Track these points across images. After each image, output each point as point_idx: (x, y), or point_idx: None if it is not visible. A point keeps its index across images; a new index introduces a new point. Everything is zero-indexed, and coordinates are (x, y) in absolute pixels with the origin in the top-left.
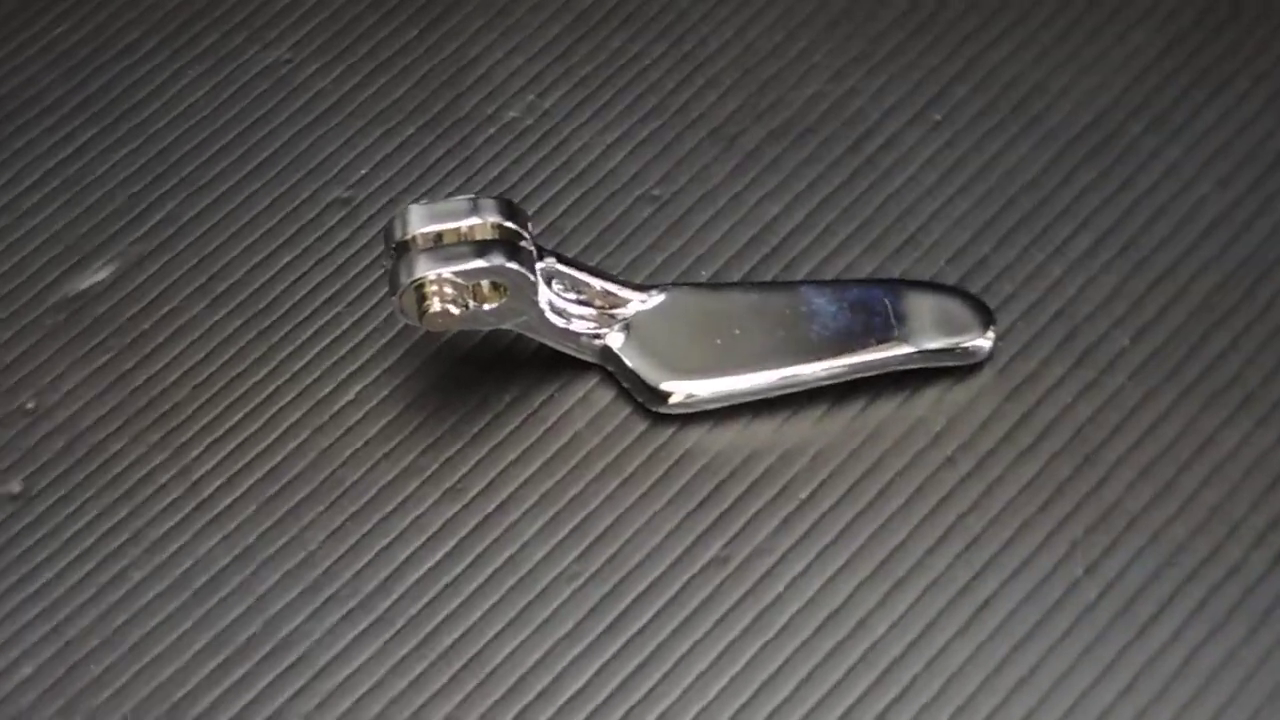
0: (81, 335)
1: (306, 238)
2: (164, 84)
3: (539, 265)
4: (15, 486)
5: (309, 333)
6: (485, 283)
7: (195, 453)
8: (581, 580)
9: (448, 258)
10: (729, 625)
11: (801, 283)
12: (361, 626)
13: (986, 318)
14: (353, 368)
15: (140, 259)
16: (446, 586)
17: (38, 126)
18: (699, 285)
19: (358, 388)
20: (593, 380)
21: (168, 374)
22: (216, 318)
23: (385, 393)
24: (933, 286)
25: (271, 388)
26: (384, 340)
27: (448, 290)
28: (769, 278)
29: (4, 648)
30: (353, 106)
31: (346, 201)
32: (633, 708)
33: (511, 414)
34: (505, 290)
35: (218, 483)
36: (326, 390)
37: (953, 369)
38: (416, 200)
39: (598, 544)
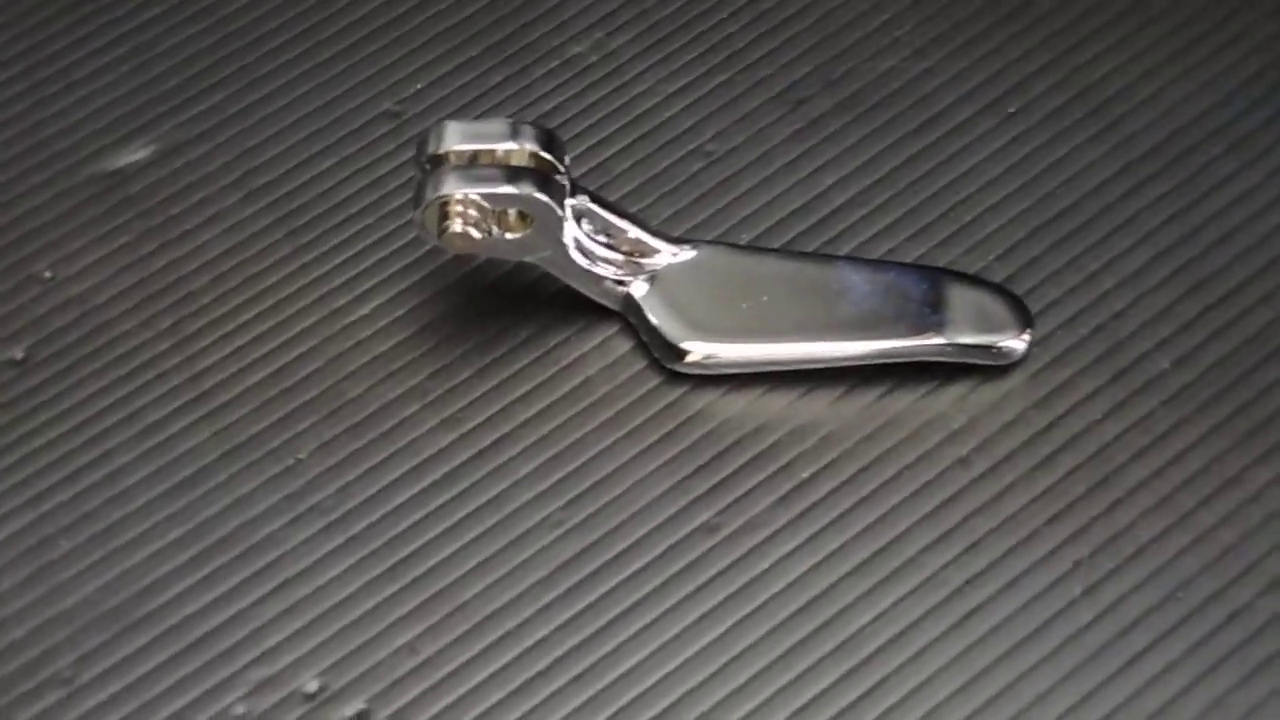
0: (110, 212)
1: (349, 146)
2: None
3: (570, 201)
4: (18, 353)
5: (336, 241)
6: (513, 211)
7: (202, 344)
8: (565, 528)
9: (477, 178)
10: (707, 595)
11: (840, 258)
12: (338, 541)
13: (1025, 319)
14: (373, 282)
15: (181, 144)
16: (429, 514)
17: None
18: (734, 246)
19: (375, 303)
20: (612, 329)
21: (188, 262)
22: (247, 213)
23: (401, 312)
24: (974, 280)
25: (289, 290)
26: (409, 260)
27: (472, 213)
28: (810, 249)
29: None
30: (418, 20)
31: (395, 115)
32: (596, 663)
33: (524, 351)
34: (531, 221)
35: (219, 377)
36: (343, 301)
37: (982, 368)
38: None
39: (588, 494)
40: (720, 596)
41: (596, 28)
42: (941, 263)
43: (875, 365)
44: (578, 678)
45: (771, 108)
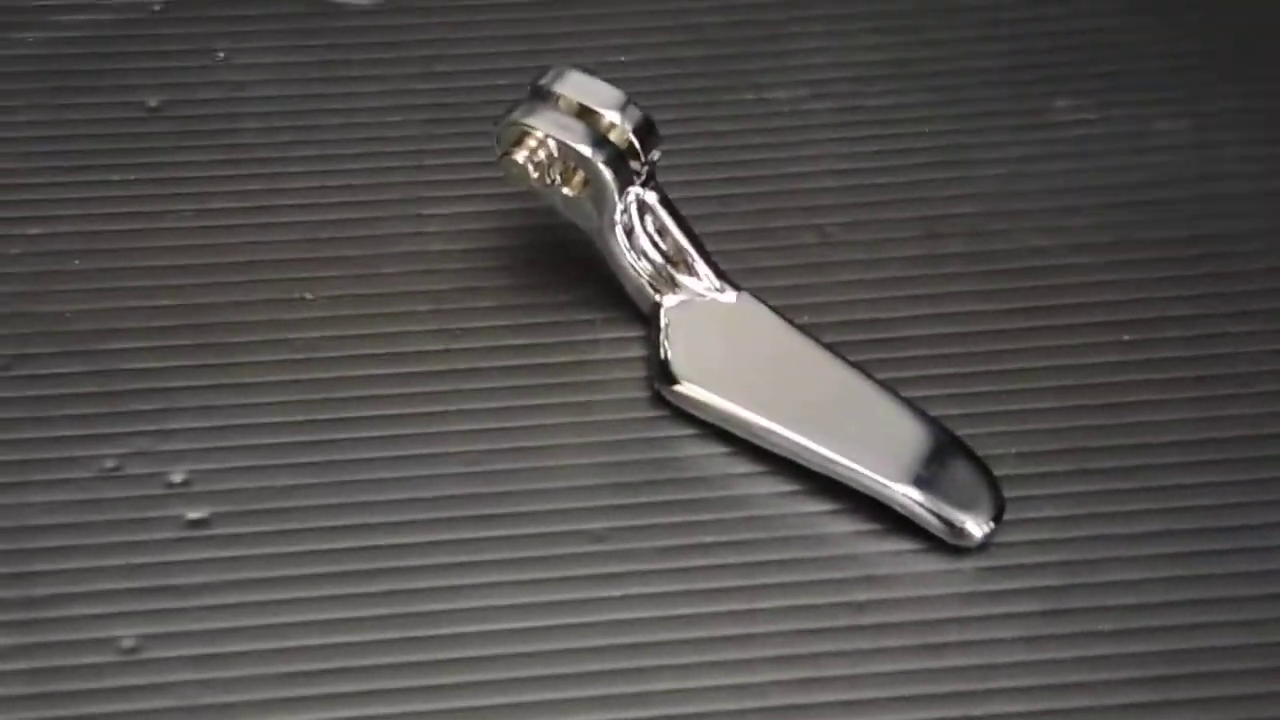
0: (306, 33)
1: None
2: None
3: (637, 189)
4: (152, 100)
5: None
6: (582, 173)
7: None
8: (474, 468)
9: (562, 125)
10: (553, 590)
11: (871, 378)
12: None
13: (996, 513)
14: (449, 194)
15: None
16: (388, 415)
17: None
18: (777, 313)
19: (450, 210)
20: (638, 332)
21: (329, 84)
22: (419, 87)
23: (469, 227)
24: (973, 457)
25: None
26: (487, 175)
27: (541, 154)
28: (854, 358)
29: None
30: None
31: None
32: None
33: (550, 310)
34: (589, 189)
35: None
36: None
37: (938, 539)
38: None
39: (512, 453)
40: (563, 597)
41: (803, 86)
42: (961, 431)
43: (843, 484)
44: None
45: (908, 226)
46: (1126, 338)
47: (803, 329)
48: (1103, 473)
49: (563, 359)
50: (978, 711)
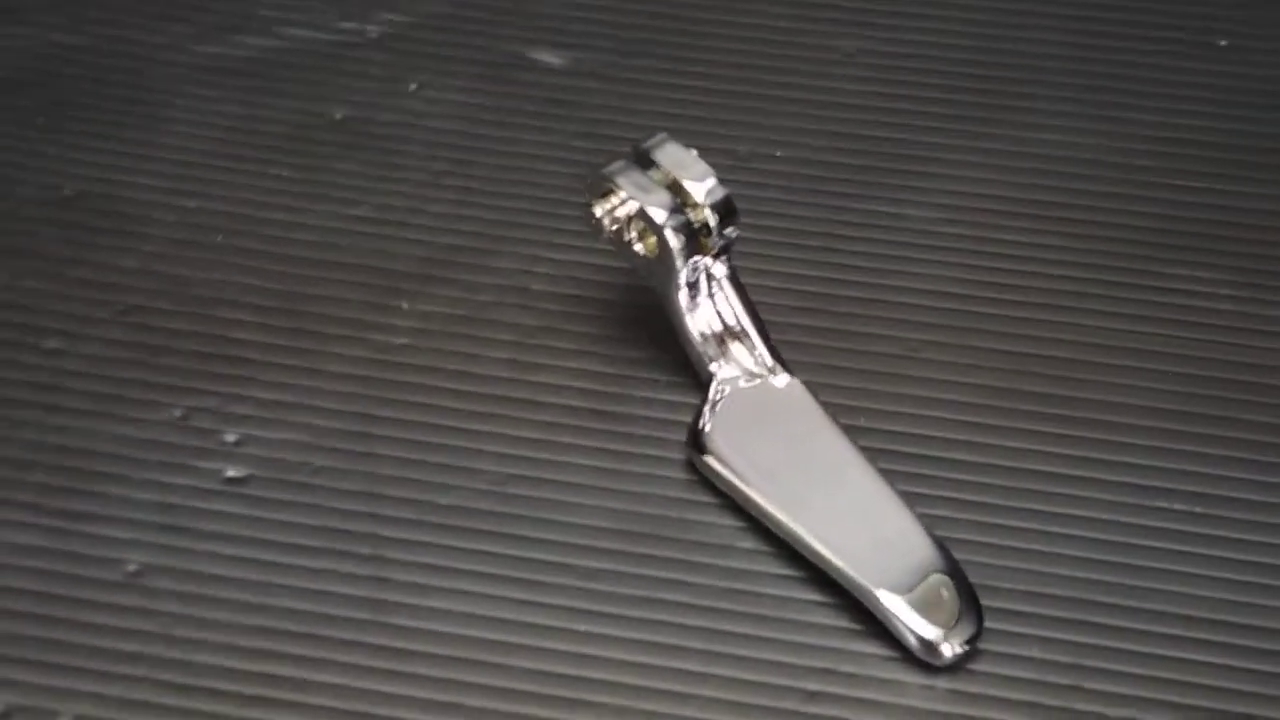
0: (508, 90)
1: None
2: None
3: (707, 262)
4: (338, 114)
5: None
6: (655, 236)
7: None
8: (496, 490)
9: (644, 188)
10: (531, 613)
11: (891, 488)
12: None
13: (971, 635)
14: (558, 249)
15: (588, 65)
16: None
17: None
18: (821, 406)
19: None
20: (693, 399)
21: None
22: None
23: (572, 273)
24: (964, 583)
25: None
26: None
27: (621, 212)
28: (883, 466)
29: None
30: None
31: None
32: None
33: (618, 364)
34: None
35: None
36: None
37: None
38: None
39: (538, 483)
40: (530, 620)
41: (939, 209)
42: (971, 559)
43: (837, 582)
44: None
45: (999, 358)
46: (1177, 507)
47: (842, 428)
48: (1104, 628)
49: (616, 409)
50: None
